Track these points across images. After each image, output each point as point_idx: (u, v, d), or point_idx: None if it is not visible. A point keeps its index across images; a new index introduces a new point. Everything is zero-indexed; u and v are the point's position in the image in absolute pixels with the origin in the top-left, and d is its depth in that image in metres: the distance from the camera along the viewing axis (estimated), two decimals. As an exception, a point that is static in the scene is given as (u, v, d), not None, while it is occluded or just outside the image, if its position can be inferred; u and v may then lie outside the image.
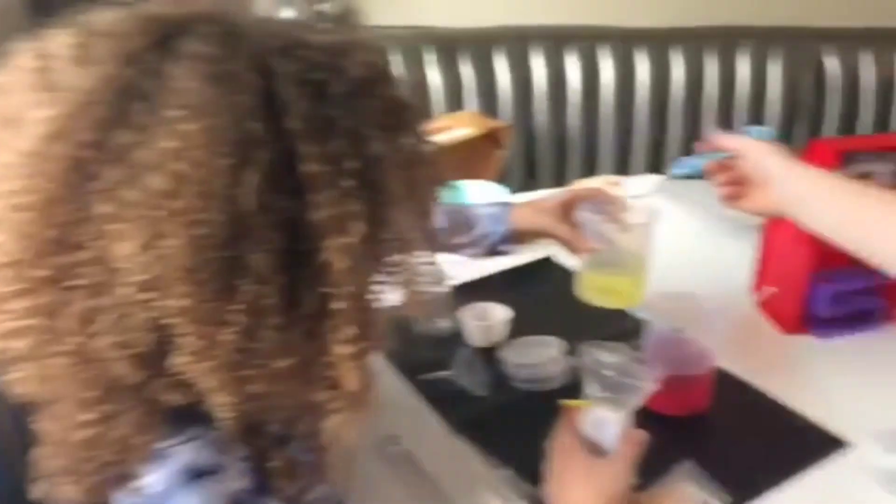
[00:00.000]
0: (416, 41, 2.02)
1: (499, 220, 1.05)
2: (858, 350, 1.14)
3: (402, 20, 2.17)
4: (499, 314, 1.12)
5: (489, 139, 1.67)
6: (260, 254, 0.53)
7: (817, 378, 1.08)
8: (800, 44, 2.08)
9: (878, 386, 1.06)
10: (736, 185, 0.96)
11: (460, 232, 1.05)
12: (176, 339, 0.53)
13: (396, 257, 0.61)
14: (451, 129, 1.54)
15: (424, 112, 0.64)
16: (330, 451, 0.71)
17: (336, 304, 0.56)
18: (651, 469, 0.87)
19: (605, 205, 1.04)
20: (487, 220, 1.06)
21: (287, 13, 0.62)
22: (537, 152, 2.07)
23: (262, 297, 0.54)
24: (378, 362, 1.05)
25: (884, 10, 2.10)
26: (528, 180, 2.06)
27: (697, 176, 1.01)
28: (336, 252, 0.55)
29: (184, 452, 0.59)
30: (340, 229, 0.55)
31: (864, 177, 1.10)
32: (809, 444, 0.95)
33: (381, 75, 0.59)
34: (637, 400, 0.84)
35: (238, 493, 0.62)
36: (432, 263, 0.67)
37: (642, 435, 0.83)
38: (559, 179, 2.04)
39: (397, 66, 2.00)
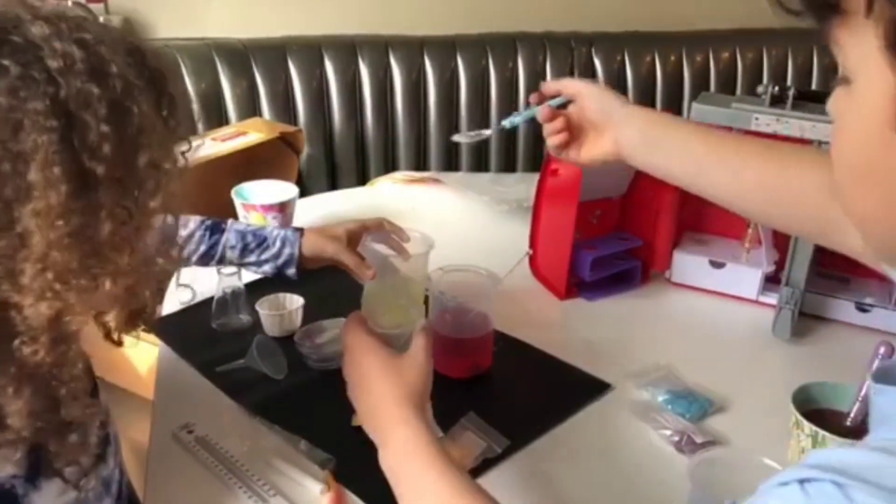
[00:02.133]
0: (209, 52, 2.02)
1: (290, 242, 1.07)
2: (620, 307, 1.29)
3: (196, 33, 2.16)
4: (292, 303, 1.16)
5: (286, 144, 1.71)
6: None
7: (586, 334, 1.22)
8: (570, 46, 2.28)
9: (634, 336, 1.22)
10: (568, 132, 0.91)
11: (251, 250, 1.07)
12: None
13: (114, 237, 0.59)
14: (242, 136, 1.56)
15: (154, 100, 0.64)
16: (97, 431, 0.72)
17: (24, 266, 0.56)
18: (440, 424, 0.94)
19: (389, 236, 1.11)
20: (279, 241, 1.07)
21: None
22: (337, 154, 2.13)
23: None
24: (173, 359, 1.07)
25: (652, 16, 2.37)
26: (332, 180, 2.12)
27: (531, 121, 0.94)
28: (34, 218, 0.55)
29: None
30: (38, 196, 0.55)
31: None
32: (579, 389, 1.07)
33: (101, 63, 0.58)
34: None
35: (5, 480, 0.62)
36: (164, 249, 0.68)
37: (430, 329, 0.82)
38: (360, 178, 2.11)
39: (191, 76, 1.99)
